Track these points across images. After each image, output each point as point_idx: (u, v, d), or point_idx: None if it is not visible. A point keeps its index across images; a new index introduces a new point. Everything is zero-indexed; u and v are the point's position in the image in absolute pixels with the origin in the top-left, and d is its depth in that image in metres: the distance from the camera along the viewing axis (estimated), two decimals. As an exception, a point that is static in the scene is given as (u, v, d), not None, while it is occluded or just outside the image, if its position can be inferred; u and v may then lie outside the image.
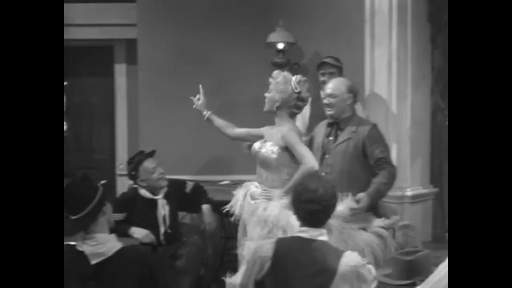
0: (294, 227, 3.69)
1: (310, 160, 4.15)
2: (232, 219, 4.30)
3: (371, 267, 3.07)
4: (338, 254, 2.99)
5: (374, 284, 3.01)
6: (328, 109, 4.47)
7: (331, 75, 5.34)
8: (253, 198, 4.20)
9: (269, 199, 4.11)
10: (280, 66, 6.12)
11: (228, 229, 5.75)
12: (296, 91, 4.31)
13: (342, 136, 4.44)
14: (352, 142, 4.38)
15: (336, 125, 4.50)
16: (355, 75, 5.50)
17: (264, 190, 4.17)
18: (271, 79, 4.36)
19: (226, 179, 6.19)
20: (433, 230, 5.78)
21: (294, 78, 4.34)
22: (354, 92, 4.54)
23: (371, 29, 5.60)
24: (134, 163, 4.75)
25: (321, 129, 4.62)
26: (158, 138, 6.07)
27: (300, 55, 6.17)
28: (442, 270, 2.70)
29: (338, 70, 5.44)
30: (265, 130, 4.38)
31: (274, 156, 4.12)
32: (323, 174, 4.30)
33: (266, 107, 4.36)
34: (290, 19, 6.07)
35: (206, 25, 6.40)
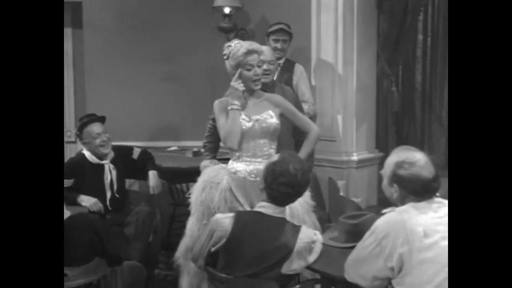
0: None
1: (315, 125, 4.17)
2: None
3: (320, 239, 3.15)
4: (296, 230, 3.05)
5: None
6: (266, 76, 4.40)
7: (284, 42, 5.34)
8: (257, 175, 3.73)
9: None
10: (227, 31, 6.10)
11: (177, 196, 5.76)
12: None
13: None
14: None
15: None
16: (302, 41, 5.52)
17: None
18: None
19: (173, 145, 6.19)
20: (379, 194, 5.90)
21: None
22: None
23: (318, -6, 5.60)
24: (81, 123, 4.70)
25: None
26: (106, 105, 5.98)
27: (247, 20, 6.14)
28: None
29: (290, 37, 5.42)
30: (248, 106, 3.95)
31: (279, 123, 3.90)
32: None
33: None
34: (237, -17, 6.03)
35: (152, -12, 6.32)
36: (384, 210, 2.86)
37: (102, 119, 4.76)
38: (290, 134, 4.35)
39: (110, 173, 4.69)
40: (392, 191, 2.83)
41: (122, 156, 4.78)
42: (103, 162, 4.68)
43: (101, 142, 4.61)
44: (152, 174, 4.84)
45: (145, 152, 4.98)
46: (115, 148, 4.77)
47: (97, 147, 4.61)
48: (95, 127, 4.65)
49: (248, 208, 3.65)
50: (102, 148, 4.62)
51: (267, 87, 4.39)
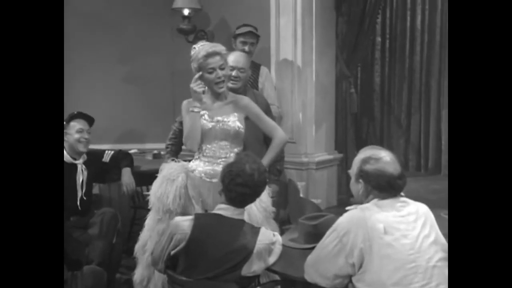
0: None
1: (281, 130, 4.04)
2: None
3: (280, 240, 3.17)
4: (255, 232, 3.06)
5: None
6: (235, 82, 4.37)
7: (252, 45, 5.26)
8: (213, 176, 3.75)
9: None
10: (186, 33, 6.10)
11: (137, 198, 5.73)
12: None
13: None
14: None
15: None
16: (262, 42, 5.54)
17: None
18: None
19: (133, 148, 6.16)
20: (338, 195, 5.95)
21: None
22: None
23: (277, -4, 5.63)
24: (69, 116, 4.66)
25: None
26: (65, 106, 5.90)
27: (207, 21, 6.15)
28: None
29: (257, 39, 5.33)
30: (213, 107, 3.89)
31: (242, 127, 3.84)
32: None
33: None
34: (196, -15, 6.03)
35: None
36: (348, 207, 2.90)
37: (90, 120, 4.74)
38: (262, 140, 4.29)
39: (82, 174, 4.66)
40: (358, 188, 2.86)
41: (93, 159, 4.75)
42: (76, 162, 4.65)
43: (80, 138, 4.58)
44: (125, 171, 4.82)
45: (119, 151, 4.96)
46: (89, 152, 4.73)
47: (75, 142, 4.57)
48: (80, 123, 4.63)
49: (198, 208, 3.68)
50: (80, 144, 4.58)
51: (238, 93, 4.36)
